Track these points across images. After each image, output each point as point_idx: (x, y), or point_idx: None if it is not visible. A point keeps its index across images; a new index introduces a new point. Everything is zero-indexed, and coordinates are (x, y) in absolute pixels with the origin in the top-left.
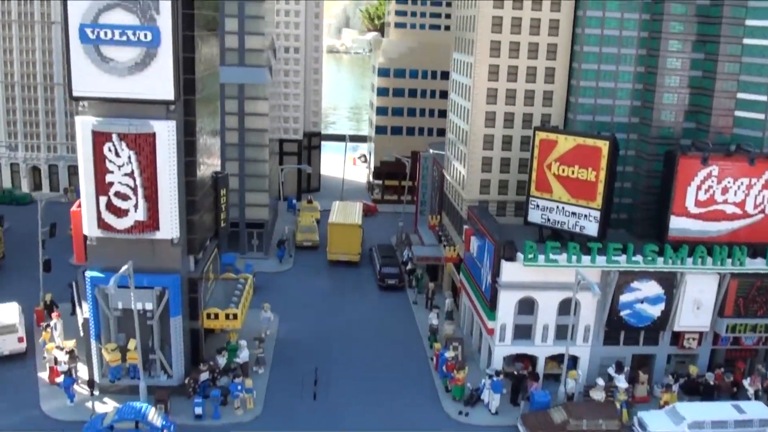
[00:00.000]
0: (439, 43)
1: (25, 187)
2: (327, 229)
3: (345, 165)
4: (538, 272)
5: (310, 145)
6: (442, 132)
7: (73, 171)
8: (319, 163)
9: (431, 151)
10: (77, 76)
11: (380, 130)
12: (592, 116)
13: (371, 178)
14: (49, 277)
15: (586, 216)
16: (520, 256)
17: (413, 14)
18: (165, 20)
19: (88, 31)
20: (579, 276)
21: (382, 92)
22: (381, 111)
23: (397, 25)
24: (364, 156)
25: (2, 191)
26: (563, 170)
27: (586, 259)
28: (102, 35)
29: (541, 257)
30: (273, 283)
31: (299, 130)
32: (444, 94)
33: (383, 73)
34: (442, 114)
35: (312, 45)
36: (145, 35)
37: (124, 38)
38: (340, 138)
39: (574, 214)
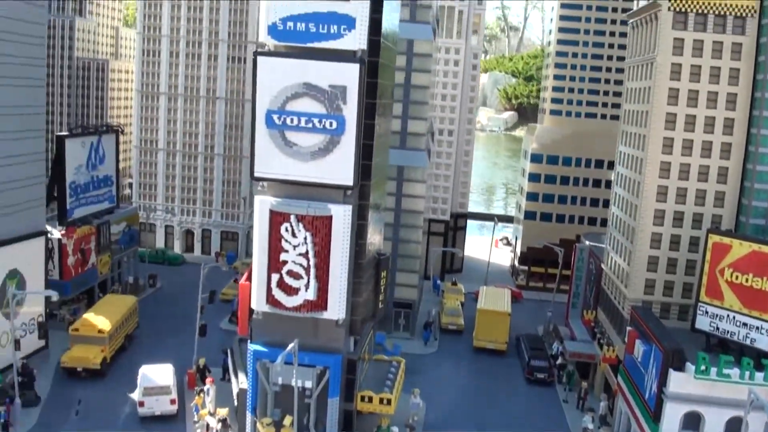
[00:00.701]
0: (594, 132)
1: (177, 248)
2: (475, 315)
3: (491, 248)
4: (707, 386)
5: (456, 225)
6: (593, 221)
7: (225, 236)
8: (464, 244)
9: (587, 242)
10: (260, 158)
11: (529, 215)
12: (765, 220)
13: (516, 263)
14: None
15: (758, 328)
16: (690, 366)
17: (569, 102)
18: (351, 110)
19: (275, 117)
20: (752, 395)
21: (533, 178)
22: (531, 196)
23: (552, 112)
24: (507, 239)
25: (156, 251)
26: (737, 277)
27: (759, 376)
28: (288, 121)
29: (713, 370)
30: (418, 366)
31: (447, 210)
32: (597, 183)
33: (536, 158)
34: (595, 203)
35: (464, 125)
36: (331, 123)
37: (310, 125)
38: (480, 217)
39: (745, 325)
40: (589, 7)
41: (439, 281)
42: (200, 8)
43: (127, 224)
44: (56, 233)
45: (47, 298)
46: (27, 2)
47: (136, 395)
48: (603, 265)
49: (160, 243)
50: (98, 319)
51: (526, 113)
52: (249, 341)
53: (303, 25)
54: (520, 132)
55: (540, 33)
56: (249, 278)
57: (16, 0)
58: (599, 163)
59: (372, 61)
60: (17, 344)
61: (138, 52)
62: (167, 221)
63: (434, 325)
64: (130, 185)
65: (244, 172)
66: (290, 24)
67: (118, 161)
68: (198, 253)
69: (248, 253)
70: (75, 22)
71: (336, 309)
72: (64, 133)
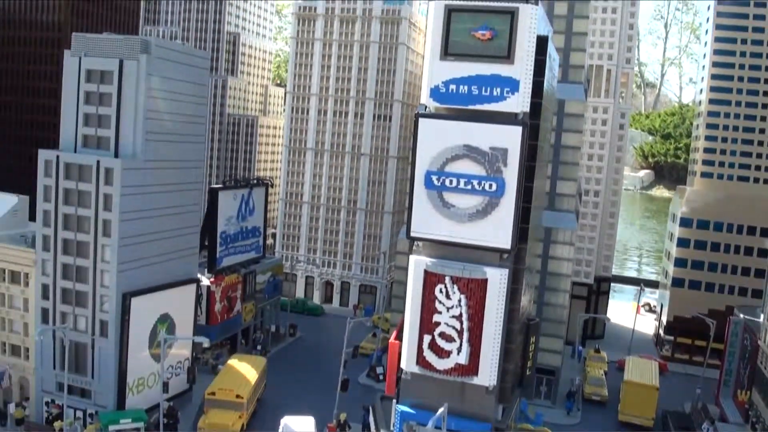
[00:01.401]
0: (748, 196)
1: (316, 299)
2: (619, 386)
3: (635, 315)
4: None
5: (599, 289)
6: (744, 291)
7: (363, 290)
8: (606, 309)
9: (741, 315)
10: (417, 218)
11: (677, 282)
12: None
13: (661, 332)
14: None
15: None
16: None
17: (721, 164)
18: (511, 172)
19: (434, 178)
20: None
21: (682, 243)
22: (680, 263)
23: (704, 174)
24: (649, 305)
25: (296, 301)
26: None
27: None
28: (447, 183)
29: None
30: None
31: (590, 273)
32: (750, 251)
33: (685, 222)
34: (746, 272)
35: (611, 186)
36: (490, 185)
37: (469, 187)
38: (623, 281)
39: None
40: (742, 66)
41: (580, 347)
42: (349, 68)
43: (272, 274)
44: (205, 280)
45: (194, 342)
46: (192, 67)
47: None
48: (759, 342)
49: (299, 293)
50: (234, 383)
51: (663, 172)
52: (395, 401)
53: (465, 87)
54: (657, 191)
55: (677, 90)
56: (397, 336)
57: (184, 64)
58: (752, 230)
59: (533, 124)
60: (165, 387)
61: (288, 110)
62: (308, 272)
63: (577, 395)
64: (274, 236)
65: (385, 227)
66: (453, 87)
67: (266, 213)
68: (336, 304)
69: (385, 308)
70: (227, 80)
71: (487, 375)
72: (218, 185)
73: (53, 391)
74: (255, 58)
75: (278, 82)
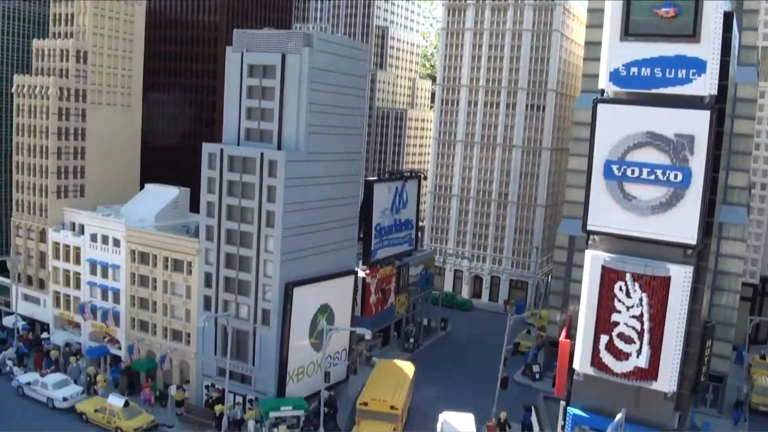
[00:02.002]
0: None
1: (465, 293)
2: None
3: None
4: None
5: (763, 290)
6: None
7: (513, 285)
8: None
9: None
10: (595, 210)
11: None
12: None
13: None
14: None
15: None
16: None
17: None
18: (698, 161)
19: (614, 167)
20: None
21: None
22: None
23: None
24: None
25: (445, 294)
26: None
27: None
28: (628, 173)
29: None
30: None
31: (756, 273)
32: None
33: None
34: None
35: None
36: (675, 175)
37: (652, 177)
38: None
39: None
40: None
41: (744, 352)
42: (500, 58)
43: (424, 267)
44: (361, 272)
45: (351, 334)
46: (352, 59)
47: None
48: None
49: (448, 287)
50: (388, 393)
51: None
52: (564, 403)
53: (648, 70)
54: None
55: None
56: (567, 335)
57: (344, 57)
58: None
59: (720, 108)
60: (327, 376)
61: (437, 102)
62: (457, 266)
63: (745, 404)
64: (422, 229)
65: (537, 221)
66: (634, 69)
67: (418, 206)
68: (485, 299)
69: (536, 304)
70: (376, 74)
71: (667, 380)
72: (372, 178)
73: (213, 376)
74: (403, 51)
75: (423, 75)
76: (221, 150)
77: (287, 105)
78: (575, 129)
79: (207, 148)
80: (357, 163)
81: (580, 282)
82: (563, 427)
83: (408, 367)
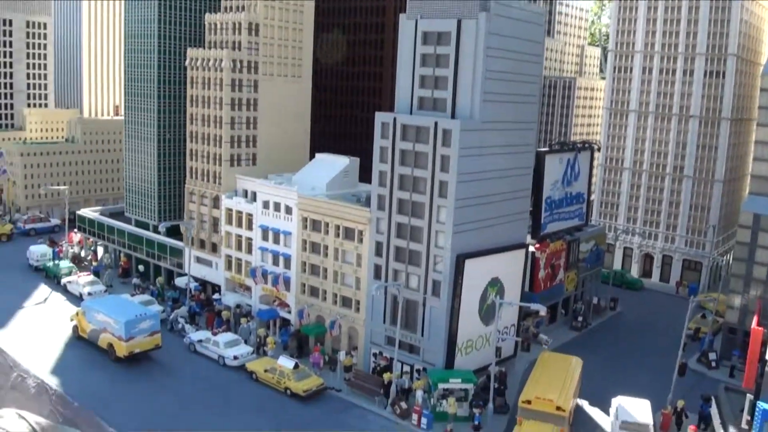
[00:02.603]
0: None
1: (634, 272)
2: None
3: None
4: None
5: None
6: None
7: (686, 265)
8: None
9: None
10: None
11: None
12: None
13: None
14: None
15: None
16: None
17: None
18: None
19: None
20: None
21: None
22: None
23: None
24: None
25: (614, 272)
26: None
27: None
28: None
29: None
30: None
31: None
32: None
33: None
34: None
35: None
36: None
37: None
38: None
39: None
40: None
41: None
42: (677, 21)
43: (595, 243)
44: (530, 246)
45: (519, 309)
46: (529, 24)
47: (609, 428)
48: None
49: (617, 265)
50: (554, 392)
51: None
52: (754, 397)
53: None
54: None
55: None
56: (759, 323)
57: (521, 22)
58: None
59: None
60: (498, 351)
61: (609, 69)
62: (626, 243)
63: None
64: (591, 203)
65: (714, 197)
66: None
67: (590, 179)
68: (656, 279)
69: (710, 286)
70: (544, 42)
71: None
72: (544, 148)
73: (381, 344)
74: (572, 17)
75: (593, 41)
76: (394, 119)
77: (462, 72)
78: (764, 96)
79: (380, 117)
80: (531, 132)
81: (764, 265)
82: (749, 423)
83: (575, 362)
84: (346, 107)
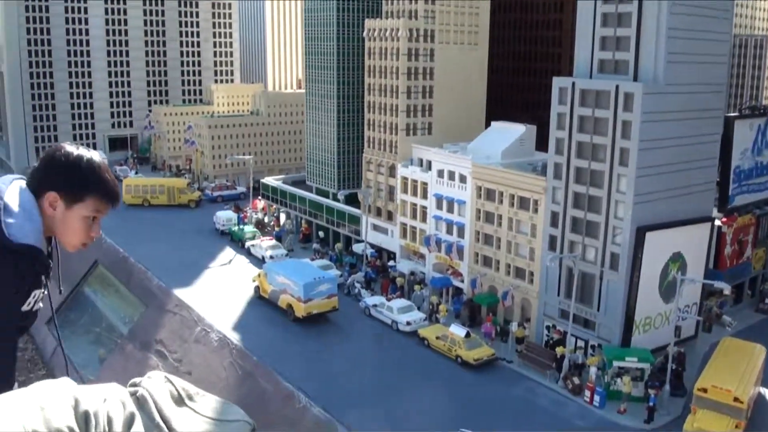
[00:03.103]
0: None
1: None
2: None
3: None
4: None
5: None
6: None
7: None
8: None
9: None
10: None
11: None
12: None
13: None
14: None
15: None
16: None
17: None
18: None
19: None
20: None
21: None
22: None
23: None
24: None
25: None
26: None
27: None
28: None
29: None
30: None
31: None
32: None
33: None
34: None
35: None
36: None
37: None
38: None
39: None
40: None
41: None
42: None
43: None
44: (716, 220)
45: (702, 288)
46: None
47: None
48: None
49: None
50: (732, 381)
51: None
52: None
53: None
54: None
55: None
56: None
57: None
58: None
59: None
60: (677, 331)
61: None
62: None
63: None
64: None
65: None
66: None
67: None
68: None
69: None
70: None
71: None
72: (733, 113)
73: (555, 317)
74: None
75: None
76: (573, 84)
77: (645, 31)
78: None
79: (558, 82)
80: (719, 96)
81: None
82: None
83: (759, 350)
84: (522, 74)
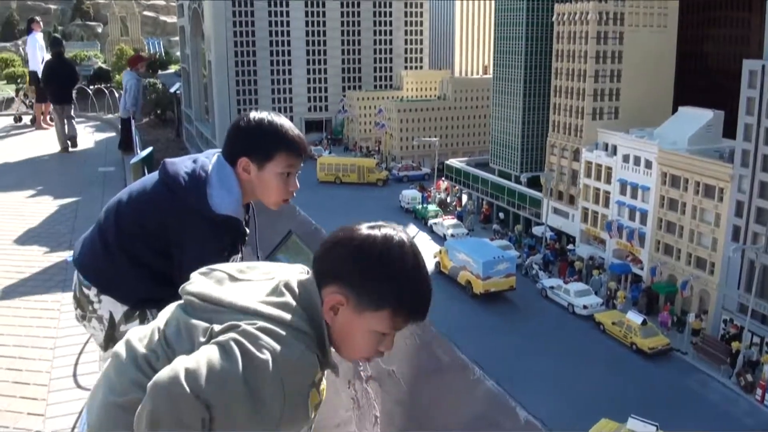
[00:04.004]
0: None
1: None
2: None
3: None
4: None
5: None
6: None
7: None
8: None
9: None
10: None
11: None
12: None
13: None
14: None
15: None
16: None
17: None
18: None
19: None
20: None
21: None
22: None
23: None
24: None
25: None
26: None
27: None
28: None
29: None
30: None
31: None
32: None
33: None
34: None
35: None
36: None
37: None
38: None
39: None
40: None
41: None
42: None
43: None
44: None
45: None
46: None
47: None
48: None
49: None
50: None
51: None
52: None
53: None
54: None
55: None
56: None
57: None
58: None
59: None
60: None
61: None
62: None
63: None
64: None
65: None
66: None
67: None
68: None
69: None
70: None
71: None
72: None
73: (733, 311)
74: None
75: None
76: (763, 66)
77: None
78: None
79: (748, 64)
80: None
81: None
82: None
83: None
84: (711, 58)
